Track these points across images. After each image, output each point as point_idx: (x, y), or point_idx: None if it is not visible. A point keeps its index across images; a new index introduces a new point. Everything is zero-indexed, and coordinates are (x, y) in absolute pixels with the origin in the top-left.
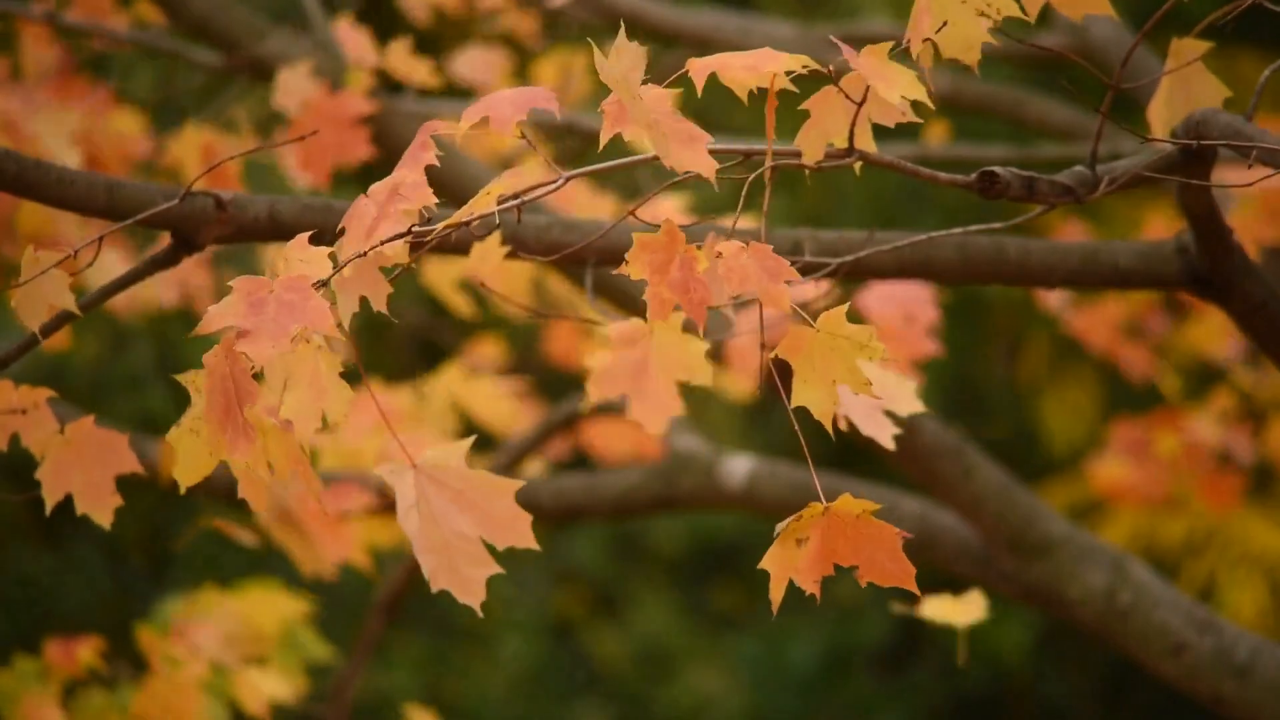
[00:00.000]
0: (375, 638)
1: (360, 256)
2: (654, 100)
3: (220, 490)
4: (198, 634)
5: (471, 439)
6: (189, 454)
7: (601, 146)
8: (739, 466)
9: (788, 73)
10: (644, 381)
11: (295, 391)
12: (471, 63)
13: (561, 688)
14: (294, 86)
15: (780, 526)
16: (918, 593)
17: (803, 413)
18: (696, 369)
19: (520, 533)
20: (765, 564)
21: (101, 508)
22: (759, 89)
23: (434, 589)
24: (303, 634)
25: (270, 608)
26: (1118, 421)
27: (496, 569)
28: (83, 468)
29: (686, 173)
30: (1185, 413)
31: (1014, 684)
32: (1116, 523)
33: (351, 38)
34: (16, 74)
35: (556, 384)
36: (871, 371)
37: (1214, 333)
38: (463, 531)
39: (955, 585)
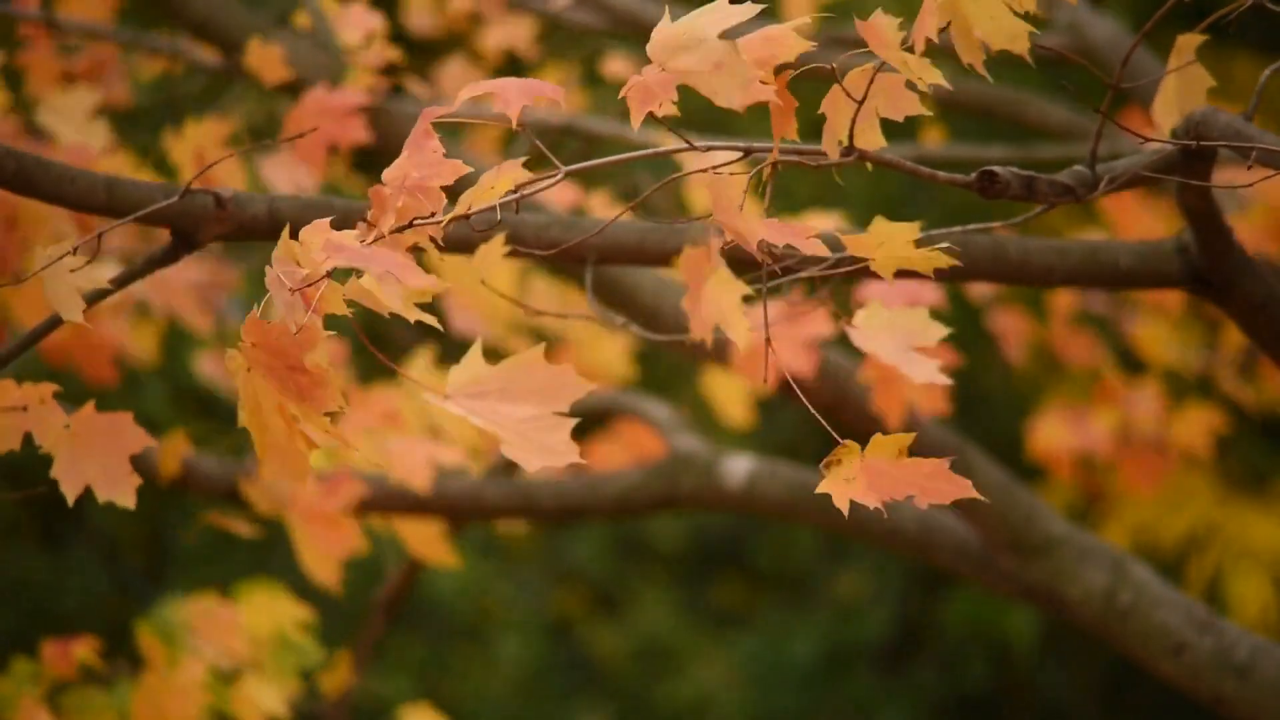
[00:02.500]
0: (376, 637)
1: (371, 244)
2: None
3: (219, 488)
4: (195, 641)
5: (479, 342)
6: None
7: (636, 125)
8: (739, 467)
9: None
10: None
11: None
12: (464, 74)
13: (562, 686)
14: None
15: (825, 465)
16: (980, 496)
17: (808, 412)
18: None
19: (573, 385)
20: (825, 488)
21: (123, 491)
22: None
23: (530, 471)
24: (300, 639)
25: (268, 613)
26: (1055, 400)
27: (572, 421)
28: (95, 456)
29: (687, 172)
30: (1123, 390)
31: (1015, 680)
32: (1118, 519)
33: (359, 22)
34: (21, 106)
35: None
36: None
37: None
38: (525, 415)
39: (954, 583)
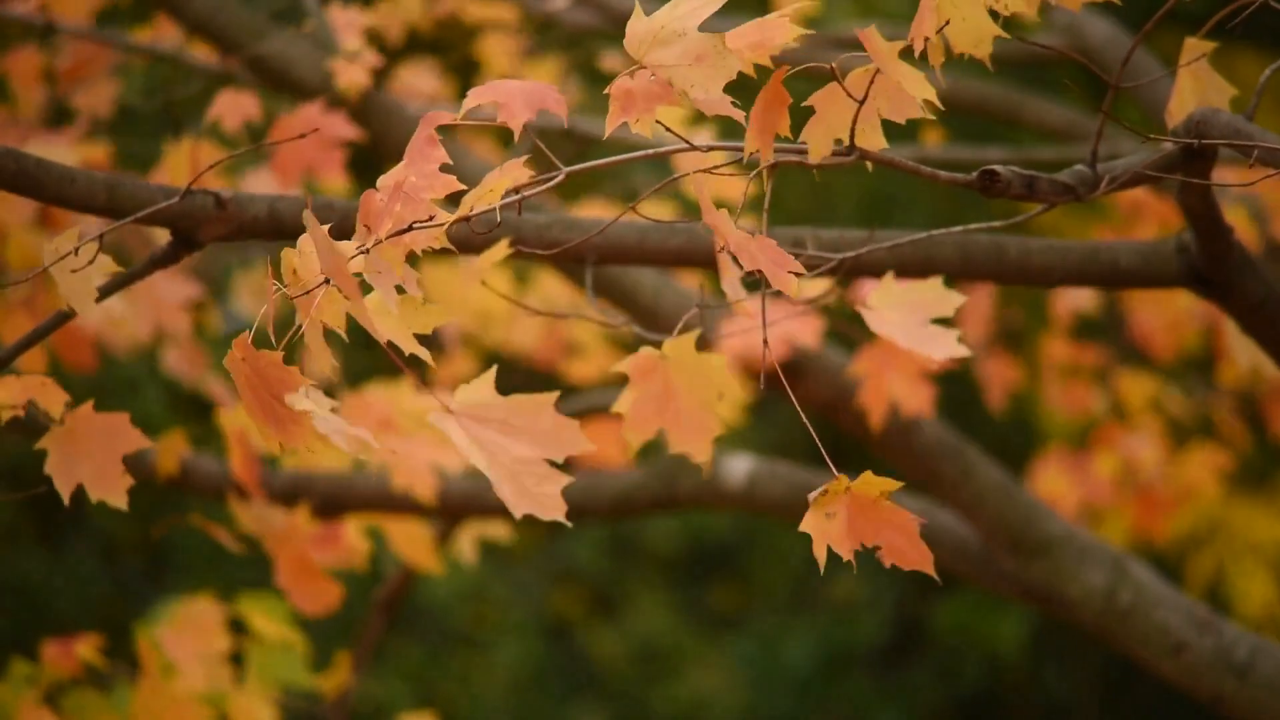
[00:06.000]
0: (376, 637)
1: (369, 248)
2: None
3: (218, 489)
4: (192, 646)
5: (494, 368)
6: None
7: (608, 134)
8: (738, 466)
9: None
10: (673, 411)
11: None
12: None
13: (559, 688)
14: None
15: (813, 496)
16: (936, 578)
17: (809, 410)
18: (721, 383)
19: (572, 439)
20: (805, 528)
21: (114, 491)
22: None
23: (517, 516)
24: (293, 648)
25: (265, 617)
26: (1053, 446)
27: (567, 479)
28: (89, 455)
29: (685, 173)
30: (1122, 431)
31: (1011, 682)
32: (1118, 516)
33: (345, 25)
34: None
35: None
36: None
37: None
38: (521, 456)
39: (953, 582)
